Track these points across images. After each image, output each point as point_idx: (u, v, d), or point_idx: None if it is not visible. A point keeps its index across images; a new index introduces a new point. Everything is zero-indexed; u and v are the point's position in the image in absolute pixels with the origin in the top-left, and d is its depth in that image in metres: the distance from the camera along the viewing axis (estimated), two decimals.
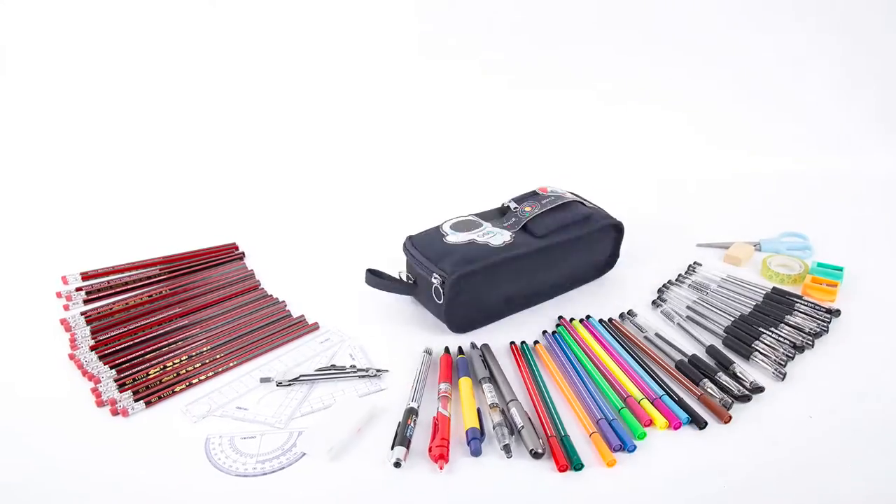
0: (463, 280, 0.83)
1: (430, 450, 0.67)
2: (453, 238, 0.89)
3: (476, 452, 0.67)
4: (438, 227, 0.92)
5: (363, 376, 0.80)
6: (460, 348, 0.84)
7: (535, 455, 0.67)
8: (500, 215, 0.96)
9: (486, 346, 0.84)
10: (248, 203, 1.30)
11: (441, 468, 0.66)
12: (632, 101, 1.42)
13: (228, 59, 1.36)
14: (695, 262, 1.03)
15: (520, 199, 0.96)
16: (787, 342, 0.83)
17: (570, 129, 1.43)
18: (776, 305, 0.92)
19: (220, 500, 0.64)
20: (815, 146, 1.40)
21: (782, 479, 0.65)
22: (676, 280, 1.00)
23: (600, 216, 0.96)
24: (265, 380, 0.79)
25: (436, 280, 0.84)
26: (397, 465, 0.66)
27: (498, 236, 0.90)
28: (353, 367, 0.81)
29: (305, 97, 1.41)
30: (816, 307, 0.90)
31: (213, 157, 1.39)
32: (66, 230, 1.18)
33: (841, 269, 0.97)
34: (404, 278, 0.92)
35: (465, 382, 0.76)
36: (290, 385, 0.79)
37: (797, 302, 0.92)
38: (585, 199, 0.99)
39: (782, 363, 0.79)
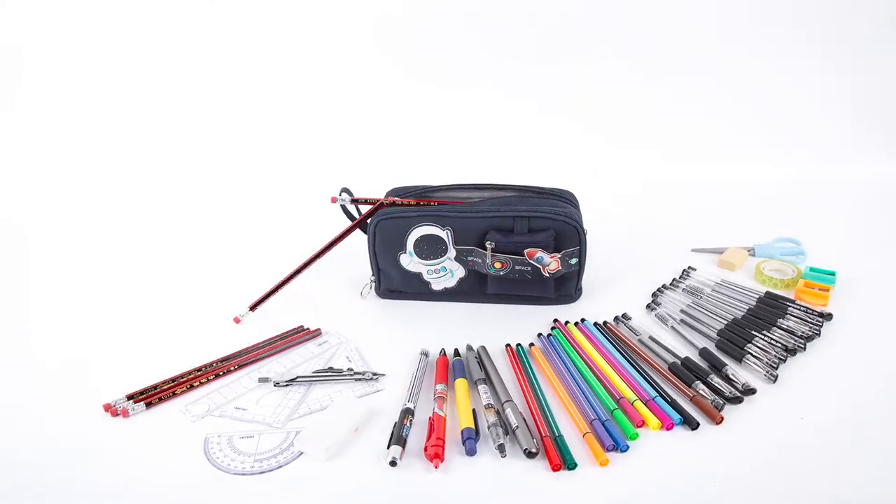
0: (388, 294, 0.98)
1: (425, 449, 0.68)
2: (406, 261, 0.92)
3: (471, 452, 0.68)
4: (407, 231, 0.89)
5: (359, 379, 0.81)
6: (456, 350, 0.85)
7: (529, 454, 0.67)
8: (483, 235, 0.89)
9: (482, 347, 0.85)
10: (247, 204, 1.32)
11: (436, 467, 0.66)
12: (629, 106, 1.43)
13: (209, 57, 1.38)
14: (689, 267, 1.04)
15: (510, 246, 0.88)
16: (780, 345, 0.84)
17: (570, 132, 1.44)
18: (769, 309, 0.93)
19: (219, 498, 0.65)
20: (809, 153, 1.42)
21: (774, 479, 0.66)
22: (671, 284, 1.01)
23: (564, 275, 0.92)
24: (263, 380, 0.80)
25: (371, 280, 0.97)
26: (393, 464, 0.66)
27: (446, 279, 0.93)
28: (350, 370, 0.82)
29: (305, 104, 1.42)
30: (809, 311, 0.91)
31: (212, 157, 1.40)
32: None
33: (833, 274, 0.98)
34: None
35: (460, 383, 0.77)
36: (287, 386, 0.79)
37: (790, 306, 0.93)
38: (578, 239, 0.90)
39: (774, 366, 0.80)
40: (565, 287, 0.94)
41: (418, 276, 0.93)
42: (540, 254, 0.88)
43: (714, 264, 1.07)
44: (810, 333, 0.87)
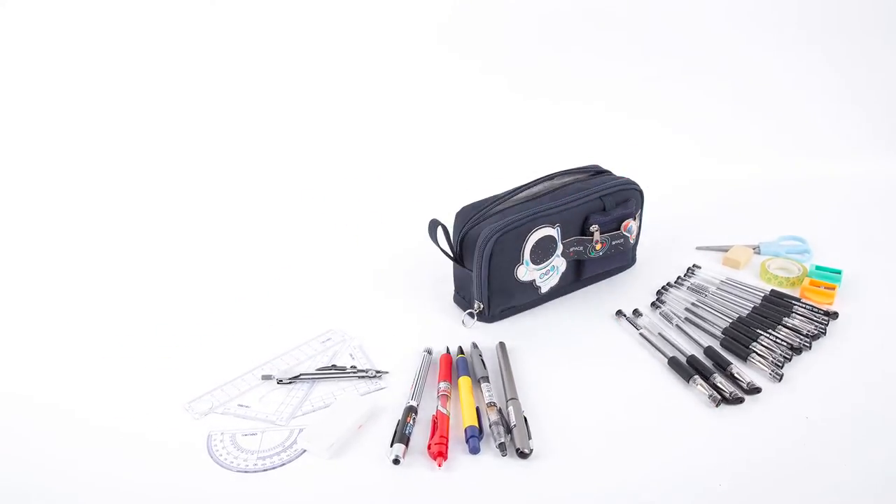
0: (499, 315, 0.91)
1: (428, 447, 0.68)
2: (523, 271, 0.88)
3: (474, 450, 0.68)
4: (525, 240, 0.85)
5: (363, 377, 0.80)
6: (460, 348, 0.85)
7: (522, 455, 0.67)
8: (582, 222, 0.91)
9: (501, 344, 0.85)
10: (255, 199, 1.31)
11: (440, 465, 0.66)
12: (633, 106, 1.43)
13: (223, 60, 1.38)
14: (694, 265, 1.04)
15: (608, 225, 0.92)
16: (785, 344, 0.84)
17: (573, 132, 1.44)
18: (774, 308, 0.92)
19: (222, 496, 0.65)
20: (815, 150, 1.41)
21: (778, 478, 0.66)
22: (675, 282, 1.00)
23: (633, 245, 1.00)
24: (266, 377, 0.80)
25: (475, 308, 0.89)
26: (396, 461, 0.66)
27: (553, 278, 0.92)
28: (354, 367, 0.82)
29: (316, 97, 1.42)
30: (814, 310, 0.91)
31: (220, 155, 1.39)
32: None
33: (839, 273, 0.98)
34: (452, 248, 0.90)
35: (464, 381, 0.77)
36: (290, 383, 0.79)
37: (795, 304, 0.92)
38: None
39: (779, 364, 0.80)
40: (633, 249, 1.02)
41: (531, 283, 0.90)
42: (631, 223, 0.95)
43: (719, 262, 1.07)
44: (816, 332, 0.86)
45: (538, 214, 0.86)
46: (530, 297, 0.92)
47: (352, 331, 0.90)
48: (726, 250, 1.08)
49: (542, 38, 1.38)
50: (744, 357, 0.82)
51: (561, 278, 0.93)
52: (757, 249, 1.09)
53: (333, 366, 0.82)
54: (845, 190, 1.33)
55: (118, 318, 0.94)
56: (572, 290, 0.97)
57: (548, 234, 0.87)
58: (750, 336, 0.85)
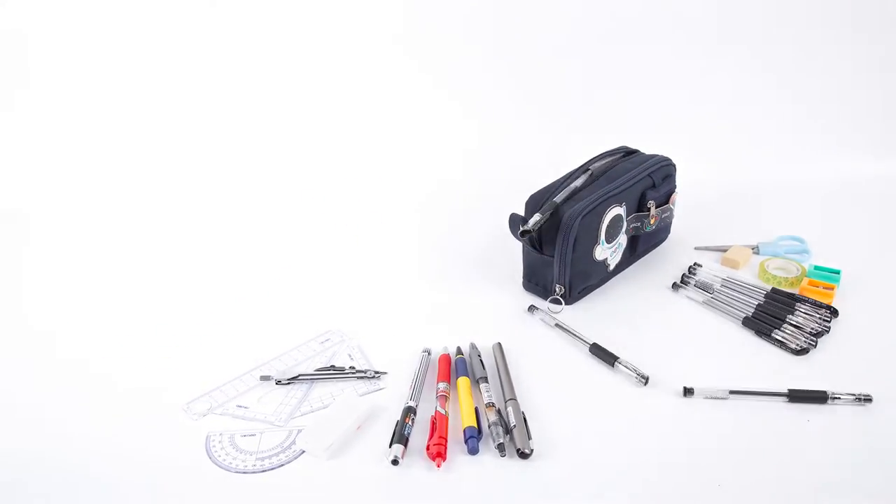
0: (577, 297, 0.94)
1: (427, 448, 0.68)
2: (599, 251, 0.91)
3: (473, 451, 0.68)
4: (601, 220, 0.89)
5: (362, 377, 0.80)
6: (459, 348, 0.85)
7: (522, 455, 0.67)
8: (638, 201, 0.96)
9: (498, 344, 0.85)
10: (254, 199, 1.31)
11: (438, 466, 0.66)
12: (631, 106, 1.43)
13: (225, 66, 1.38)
14: (695, 264, 1.04)
15: (659, 200, 0.98)
16: (801, 337, 0.85)
17: (572, 133, 1.44)
18: (778, 305, 0.92)
19: (220, 497, 0.65)
20: (812, 150, 1.41)
21: (780, 477, 0.66)
22: (681, 282, 1.00)
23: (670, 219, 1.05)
24: (265, 378, 0.80)
25: (557, 291, 0.91)
26: (395, 462, 0.66)
27: (617, 254, 0.96)
28: (352, 368, 0.82)
29: (315, 97, 1.41)
30: (816, 305, 0.91)
31: (219, 156, 1.39)
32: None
33: (838, 272, 0.98)
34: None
35: (463, 382, 0.77)
36: (289, 384, 0.79)
37: (797, 302, 0.92)
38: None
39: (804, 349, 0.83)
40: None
41: (603, 262, 0.94)
42: (676, 196, 1.01)
43: (718, 262, 1.06)
44: (820, 329, 0.87)
45: (609, 195, 0.89)
46: (601, 276, 0.96)
47: (350, 331, 0.90)
48: (725, 250, 1.08)
49: (541, 40, 1.38)
50: (767, 333, 0.86)
51: (622, 255, 0.98)
52: (756, 249, 1.09)
53: (332, 366, 0.82)
54: (844, 190, 1.32)
55: (117, 318, 0.94)
56: (628, 266, 1.02)
57: (618, 213, 0.91)
58: (763, 332, 0.87)
